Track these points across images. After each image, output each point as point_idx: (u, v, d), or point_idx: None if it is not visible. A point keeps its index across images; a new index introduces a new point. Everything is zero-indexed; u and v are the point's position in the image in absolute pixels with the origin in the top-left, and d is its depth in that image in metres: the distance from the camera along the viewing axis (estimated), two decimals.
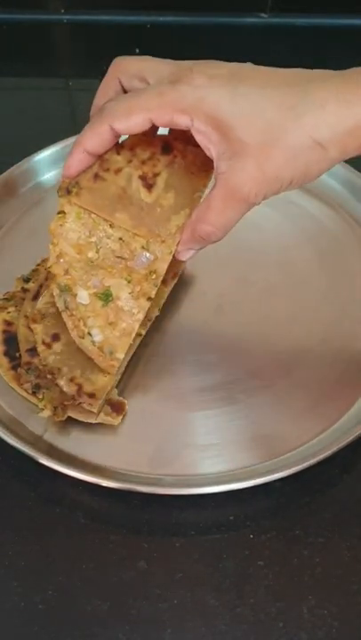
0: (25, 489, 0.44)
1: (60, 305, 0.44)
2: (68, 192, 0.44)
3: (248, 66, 0.40)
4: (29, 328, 0.49)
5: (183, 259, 0.45)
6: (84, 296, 0.44)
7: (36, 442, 0.45)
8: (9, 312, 0.50)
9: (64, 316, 0.44)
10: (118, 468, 0.44)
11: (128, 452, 0.45)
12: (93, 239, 0.44)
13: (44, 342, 0.47)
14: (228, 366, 0.50)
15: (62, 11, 0.85)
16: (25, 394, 0.47)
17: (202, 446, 0.45)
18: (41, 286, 0.51)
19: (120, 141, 0.43)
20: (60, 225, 0.44)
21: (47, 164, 0.63)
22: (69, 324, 0.44)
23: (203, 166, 0.44)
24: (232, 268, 0.56)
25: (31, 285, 0.52)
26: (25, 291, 0.52)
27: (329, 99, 0.37)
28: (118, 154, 0.43)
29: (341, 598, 0.39)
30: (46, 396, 0.45)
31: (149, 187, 0.44)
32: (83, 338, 0.44)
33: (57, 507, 0.43)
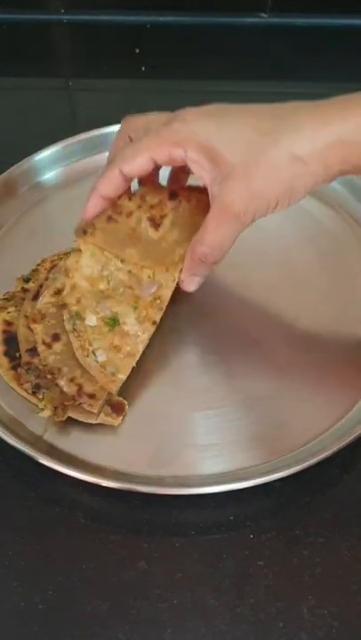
0: (25, 489, 0.44)
1: (69, 327, 0.46)
2: (84, 233, 0.48)
3: (234, 104, 0.45)
4: (29, 328, 0.49)
5: (190, 289, 0.48)
6: (92, 319, 0.47)
7: (36, 442, 0.45)
8: (9, 312, 0.50)
9: (71, 336, 0.46)
10: (118, 468, 0.44)
11: (128, 452, 0.45)
12: (105, 273, 0.48)
13: (44, 342, 0.47)
14: (229, 366, 0.50)
15: (62, 11, 0.85)
16: (25, 394, 0.47)
17: (202, 446, 0.45)
18: (41, 286, 0.51)
19: (132, 191, 0.49)
20: (76, 261, 0.48)
21: (47, 164, 0.63)
22: (75, 344, 0.46)
23: (205, 208, 0.46)
24: (232, 268, 0.56)
25: (31, 285, 0.52)
26: (25, 291, 0.52)
27: (305, 121, 0.40)
28: (130, 200, 0.48)
29: (341, 598, 0.39)
30: (46, 396, 0.45)
31: (157, 226, 0.48)
32: (87, 357, 0.45)
33: (57, 507, 0.43)
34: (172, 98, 0.78)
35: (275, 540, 0.42)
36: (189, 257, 0.46)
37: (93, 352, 0.45)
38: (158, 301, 0.47)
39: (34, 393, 0.46)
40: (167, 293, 0.47)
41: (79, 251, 0.48)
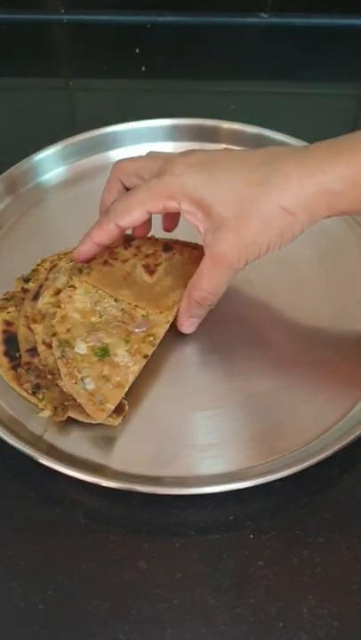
0: (25, 489, 0.44)
1: (57, 353, 0.46)
2: (80, 272, 0.50)
3: (223, 151, 0.48)
4: (29, 328, 0.49)
5: (188, 331, 0.50)
6: (82, 347, 0.46)
7: (36, 442, 0.45)
8: (9, 312, 0.50)
9: (59, 362, 0.45)
10: (118, 468, 0.44)
11: (128, 452, 0.45)
12: (98, 308, 0.49)
13: (44, 342, 0.47)
14: (228, 366, 0.50)
15: (62, 11, 0.85)
16: (25, 394, 0.47)
17: (202, 446, 0.45)
18: (41, 286, 0.51)
19: (130, 242, 0.52)
20: (70, 296, 0.49)
21: (47, 164, 0.63)
22: (63, 370, 0.45)
23: (196, 260, 0.50)
24: None
25: (31, 285, 0.52)
26: (25, 291, 0.52)
27: (292, 172, 0.43)
28: (126, 249, 0.52)
29: (341, 598, 0.39)
30: (46, 396, 0.45)
31: (151, 272, 0.51)
32: (75, 384, 0.44)
33: (57, 507, 0.43)
34: (172, 98, 0.78)
35: (275, 540, 0.42)
36: (186, 301, 0.48)
37: (82, 379, 0.44)
38: (151, 338, 0.48)
39: (34, 393, 0.46)
40: (160, 332, 0.48)
41: (73, 287, 0.49)
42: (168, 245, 0.53)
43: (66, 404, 0.45)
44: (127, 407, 0.46)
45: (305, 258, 0.57)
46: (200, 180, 0.44)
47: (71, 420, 0.45)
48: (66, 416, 0.45)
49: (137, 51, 0.81)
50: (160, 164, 0.46)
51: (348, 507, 0.43)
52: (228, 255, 0.44)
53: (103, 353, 0.46)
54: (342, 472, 0.45)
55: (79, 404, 0.44)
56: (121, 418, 0.45)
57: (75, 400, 0.45)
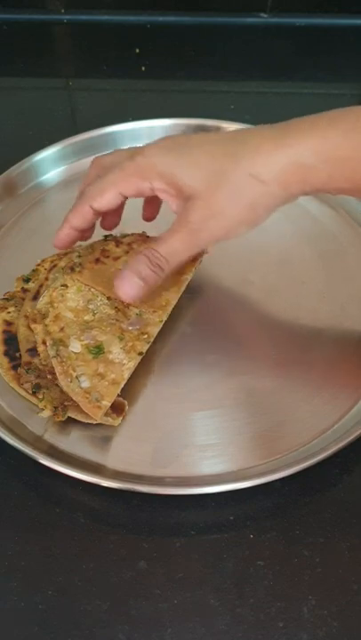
0: (25, 489, 0.44)
1: (52, 352, 0.46)
2: (72, 270, 0.50)
3: (196, 134, 0.47)
4: (29, 328, 0.49)
5: (125, 292, 0.44)
6: (76, 345, 0.46)
7: (36, 442, 0.45)
8: (9, 312, 0.50)
9: (54, 361, 0.45)
10: (118, 468, 0.44)
11: (128, 452, 0.45)
12: (91, 306, 0.49)
13: (44, 342, 0.47)
14: (228, 366, 0.50)
15: (62, 10, 0.85)
16: (25, 394, 0.47)
17: (202, 446, 0.45)
18: (41, 286, 0.51)
19: (121, 240, 0.53)
20: (62, 295, 0.49)
21: (47, 164, 0.63)
22: (58, 369, 0.45)
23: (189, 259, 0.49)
24: (232, 268, 0.56)
25: (31, 285, 0.52)
26: (25, 291, 0.52)
27: (263, 143, 0.42)
28: (117, 247, 0.52)
29: (341, 598, 0.39)
30: (46, 396, 0.45)
31: None
32: (71, 382, 0.44)
33: (57, 507, 0.43)
34: (172, 98, 0.78)
35: (275, 540, 0.42)
36: (139, 257, 0.44)
37: (77, 378, 0.44)
38: (145, 336, 0.48)
39: (34, 393, 0.46)
40: (154, 331, 0.48)
41: (65, 286, 0.49)
42: None
43: (66, 404, 0.45)
44: (127, 407, 0.46)
45: (305, 258, 0.57)
46: (170, 157, 0.44)
47: (71, 420, 0.45)
48: (66, 416, 0.45)
49: (137, 51, 0.81)
50: (133, 150, 0.46)
51: (348, 507, 0.43)
52: (191, 222, 0.43)
53: (98, 351, 0.46)
54: (342, 472, 0.45)
55: (79, 404, 0.44)
56: (121, 418, 0.45)
57: (74, 400, 0.44)
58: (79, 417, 0.45)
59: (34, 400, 0.46)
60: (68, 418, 0.45)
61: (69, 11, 0.85)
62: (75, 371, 0.45)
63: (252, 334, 0.52)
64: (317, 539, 0.42)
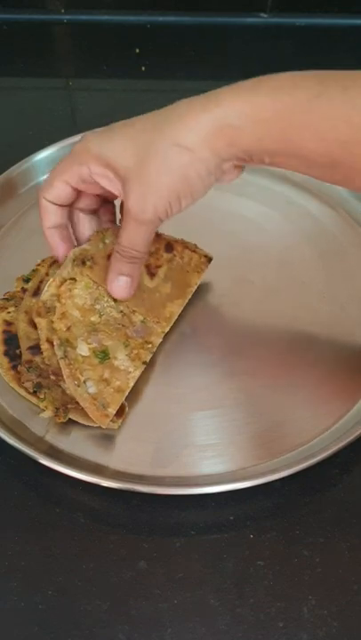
0: (25, 489, 0.44)
1: (60, 353, 0.45)
2: (83, 263, 0.48)
3: (136, 117, 0.45)
4: (30, 324, 0.48)
5: (117, 293, 0.47)
6: (84, 348, 0.46)
7: (36, 442, 0.45)
8: (9, 312, 0.50)
9: (62, 363, 0.45)
10: (118, 468, 0.44)
11: (128, 452, 0.45)
12: (97, 307, 0.48)
13: (48, 340, 0.46)
14: (229, 366, 0.50)
15: (62, 11, 0.85)
16: (25, 393, 0.46)
17: (202, 446, 0.45)
18: (41, 282, 0.50)
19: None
20: (70, 289, 0.47)
21: (47, 164, 0.63)
22: (66, 372, 0.44)
23: (196, 267, 0.52)
24: (232, 268, 0.56)
25: (31, 285, 0.52)
26: (25, 291, 0.52)
27: (188, 109, 0.41)
28: None
29: (341, 598, 0.39)
30: (48, 396, 0.45)
31: (152, 275, 0.51)
32: (79, 387, 0.44)
33: (57, 507, 0.43)
34: (172, 98, 0.77)
35: (275, 540, 0.42)
36: (115, 254, 0.46)
37: (85, 382, 0.44)
38: (150, 345, 0.48)
39: (34, 392, 0.46)
40: (157, 340, 0.49)
41: (74, 280, 0.48)
42: (170, 245, 0.53)
43: (69, 406, 0.45)
44: (127, 409, 0.46)
45: (305, 258, 0.57)
46: (104, 138, 0.44)
47: (71, 420, 0.45)
48: (67, 418, 0.45)
49: (137, 51, 0.81)
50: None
51: (348, 507, 0.43)
52: (133, 207, 0.43)
53: (103, 356, 0.46)
54: (342, 472, 0.45)
55: (81, 407, 0.44)
56: (121, 421, 0.45)
57: (77, 403, 0.44)
58: (81, 420, 0.45)
59: (34, 400, 0.46)
60: (69, 418, 0.45)
61: (69, 11, 0.85)
62: (82, 375, 0.44)
63: (252, 334, 0.52)
64: (317, 539, 0.42)
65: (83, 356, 0.45)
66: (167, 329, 0.49)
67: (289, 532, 0.42)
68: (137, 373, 0.46)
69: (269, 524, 0.42)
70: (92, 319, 0.47)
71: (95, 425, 0.45)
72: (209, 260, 0.54)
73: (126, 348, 0.47)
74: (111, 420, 0.45)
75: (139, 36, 0.84)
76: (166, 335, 0.50)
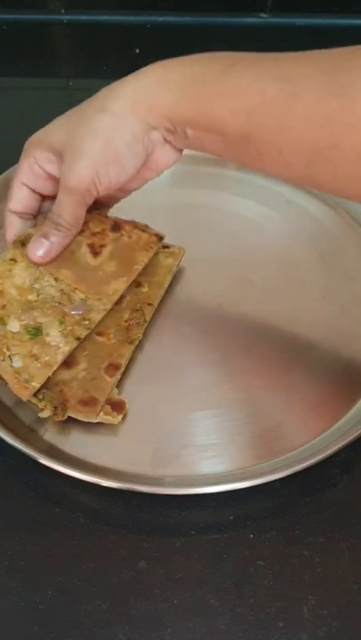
0: (25, 489, 0.44)
1: None
2: (23, 245, 0.49)
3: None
4: None
5: (34, 253, 0.47)
6: (15, 325, 0.46)
7: (36, 442, 0.45)
8: None
9: None
10: (118, 468, 0.44)
11: (128, 452, 0.45)
12: (37, 286, 0.48)
13: None
14: (229, 366, 0.50)
15: (62, 11, 0.85)
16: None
17: (202, 446, 0.45)
18: None
19: None
20: (9, 270, 0.48)
21: None
22: None
23: (144, 246, 0.51)
24: (232, 268, 0.56)
25: None
26: None
27: (115, 84, 0.44)
28: None
29: (341, 598, 0.39)
30: (46, 396, 0.45)
31: (95, 254, 0.50)
32: (3, 361, 0.44)
33: (57, 507, 0.43)
34: None
35: (275, 540, 0.42)
36: (47, 220, 0.48)
37: (10, 357, 0.44)
38: (87, 322, 0.47)
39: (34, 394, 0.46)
40: (97, 317, 0.48)
41: (14, 260, 0.48)
42: (117, 225, 0.51)
43: (66, 403, 0.45)
44: (127, 405, 0.46)
45: (305, 258, 0.57)
46: (47, 128, 0.46)
47: (71, 420, 0.45)
48: (66, 416, 0.45)
49: (137, 51, 0.81)
50: None
51: (348, 507, 0.43)
52: (63, 175, 0.44)
53: (36, 332, 0.46)
54: (342, 472, 0.45)
55: (79, 403, 0.45)
56: (121, 416, 0.45)
57: (77, 401, 0.45)
58: (79, 416, 0.45)
59: (34, 400, 0.46)
60: (69, 418, 0.45)
61: (69, 11, 0.85)
62: (9, 350, 0.45)
63: (252, 334, 0.52)
64: (317, 539, 0.42)
65: (12, 332, 0.45)
66: (110, 306, 0.49)
67: (289, 532, 0.42)
68: (67, 349, 0.46)
69: (269, 523, 0.42)
70: (30, 298, 0.47)
71: (95, 421, 0.45)
72: (160, 238, 0.53)
73: (61, 325, 0.46)
74: (111, 416, 0.45)
75: (139, 35, 0.84)
76: (166, 335, 0.50)
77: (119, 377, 0.47)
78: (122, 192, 0.49)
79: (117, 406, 0.46)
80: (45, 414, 0.45)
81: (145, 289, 0.52)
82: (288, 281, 0.55)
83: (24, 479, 0.44)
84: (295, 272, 0.56)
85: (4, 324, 0.46)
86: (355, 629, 0.38)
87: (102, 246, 0.50)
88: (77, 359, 0.47)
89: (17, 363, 0.44)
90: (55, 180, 0.47)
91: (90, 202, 0.46)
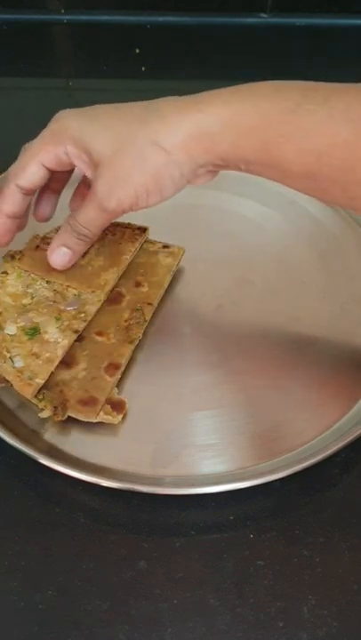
0: (25, 489, 0.44)
1: None
2: (12, 258, 0.51)
3: (110, 104, 0.46)
4: None
5: (55, 262, 0.48)
6: (12, 328, 0.47)
7: (36, 442, 0.45)
8: None
9: None
10: (118, 468, 0.44)
11: (128, 452, 0.45)
12: (30, 290, 0.50)
13: None
14: (229, 366, 0.50)
15: (62, 11, 0.85)
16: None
17: (202, 446, 0.45)
18: None
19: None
20: (2, 281, 0.50)
21: None
22: None
23: (129, 238, 0.53)
24: (232, 268, 0.56)
25: None
26: None
27: (171, 111, 0.42)
28: (57, 231, 0.49)
29: (341, 598, 0.39)
30: (46, 396, 0.45)
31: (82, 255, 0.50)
32: (4, 363, 0.45)
33: (57, 507, 0.43)
34: None
35: (275, 539, 0.42)
36: (62, 226, 0.47)
37: (11, 358, 0.45)
38: (83, 314, 0.48)
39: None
40: (92, 309, 0.49)
41: (6, 273, 0.50)
42: None
43: (66, 403, 0.45)
44: (128, 405, 0.46)
45: (305, 258, 0.57)
46: (83, 120, 0.44)
47: (71, 420, 0.45)
48: (66, 416, 0.45)
49: (137, 51, 0.81)
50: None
51: (348, 507, 0.43)
52: (98, 192, 0.43)
53: (33, 332, 0.47)
54: (342, 472, 0.45)
55: (79, 403, 0.45)
56: (121, 416, 0.45)
57: (76, 401, 0.45)
58: (79, 416, 0.45)
59: (34, 400, 0.46)
60: (69, 417, 0.45)
61: (69, 11, 0.85)
62: (9, 352, 0.45)
63: (252, 334, 0.52)
64: (317, 539, 0.42)
65: (10, 335, 0.46)
66: (103, 297, 0.49)
67: (289, 532, 0.42)
68: (66, 342, 0.46)
69: (269, 523, 0.42)
70: (24, 302, 0.49)
71: (95, 421, 0.45)
72: (143, 230, 0.54)
73: (57, 322, 0.47)
74: (111, 416, 0.45)
75: (139, 35, 0.84)
76: (166, 335, 0.50)
77: (119, 377, 0.47)
78: None
79: (117, 406, 0.46)
80: (45, 414, 0.45)
81: (145, 289, 0.52)
82: (288, 281, 0.55)
83: (24, 479, 0.44)
84: (295, 272, 0.56)
85: (2, 328, 0.46)
86: (355, 629, 0.38)
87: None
88: (77, 359, 0.47)
89: (18, 363, 0.45)
90: (70, 173, 0.47)
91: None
